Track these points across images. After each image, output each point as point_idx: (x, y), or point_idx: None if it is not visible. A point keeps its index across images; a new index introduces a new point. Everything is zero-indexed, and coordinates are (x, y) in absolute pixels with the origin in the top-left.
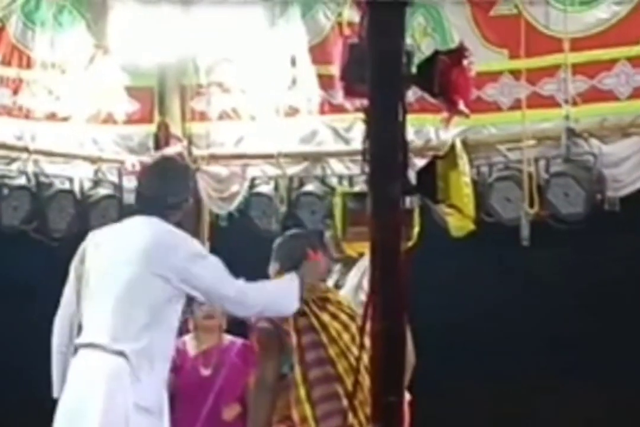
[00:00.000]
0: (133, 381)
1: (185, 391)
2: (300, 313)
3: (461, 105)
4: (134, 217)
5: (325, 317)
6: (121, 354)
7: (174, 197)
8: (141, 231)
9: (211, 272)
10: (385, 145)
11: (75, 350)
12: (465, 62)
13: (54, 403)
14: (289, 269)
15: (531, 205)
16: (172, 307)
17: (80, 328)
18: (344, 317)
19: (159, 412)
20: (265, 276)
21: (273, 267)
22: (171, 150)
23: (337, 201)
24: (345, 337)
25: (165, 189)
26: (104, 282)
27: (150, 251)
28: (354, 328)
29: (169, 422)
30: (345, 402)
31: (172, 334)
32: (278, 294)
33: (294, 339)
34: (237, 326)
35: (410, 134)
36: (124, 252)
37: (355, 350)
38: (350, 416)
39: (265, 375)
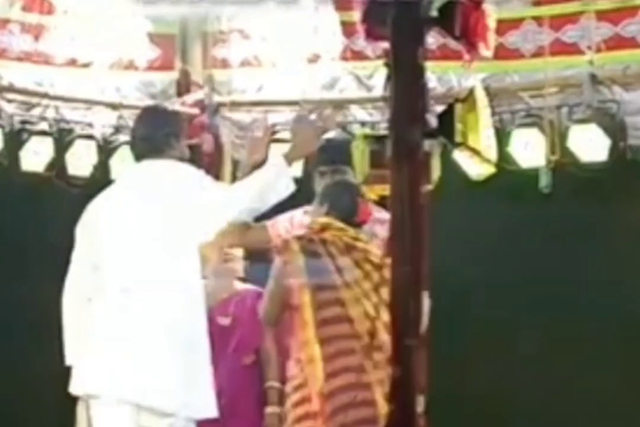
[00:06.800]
0: None
1: None
2: (314, 254)
3: (482, 49)
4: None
5: (345, 261)
6: None
7: (160, 133)
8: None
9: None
10: (406, 87)
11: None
12: (485, 4)
13: None
14: (337, 215)
15: (552, 152)
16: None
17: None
18: (367, 266)
19: None
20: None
21: (317, 211)
22: (192, 96)
23: (358, 144)
24: (366, 285)
25: (151, 128)
26: (126, 233)
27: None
28: (377, 277)
29: None
30: (355, 343)
31: None
32: (268, 181)
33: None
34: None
35: (433, 81)
36: (137, 201)
37: (374, 297)
38: (361, 357)
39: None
